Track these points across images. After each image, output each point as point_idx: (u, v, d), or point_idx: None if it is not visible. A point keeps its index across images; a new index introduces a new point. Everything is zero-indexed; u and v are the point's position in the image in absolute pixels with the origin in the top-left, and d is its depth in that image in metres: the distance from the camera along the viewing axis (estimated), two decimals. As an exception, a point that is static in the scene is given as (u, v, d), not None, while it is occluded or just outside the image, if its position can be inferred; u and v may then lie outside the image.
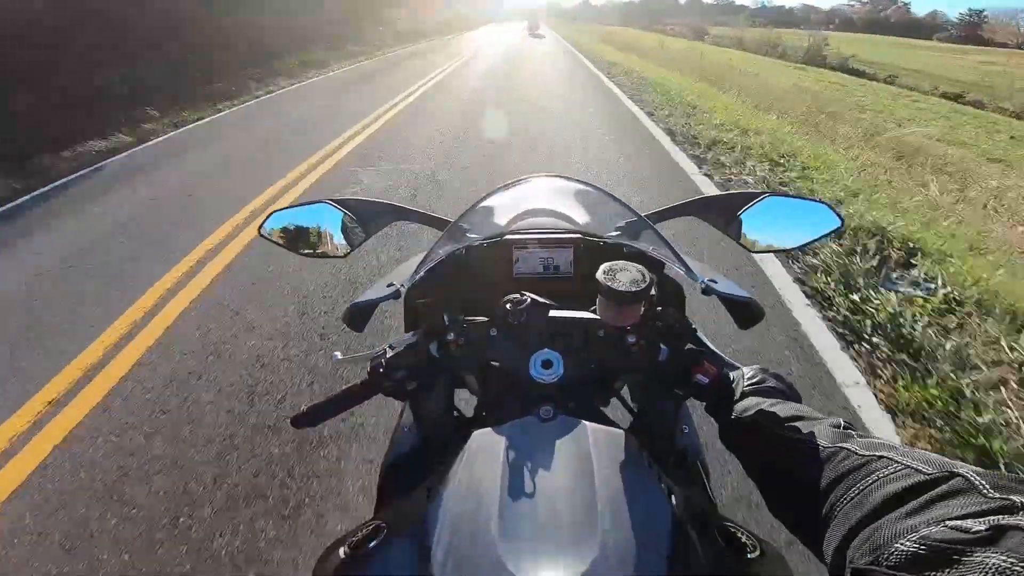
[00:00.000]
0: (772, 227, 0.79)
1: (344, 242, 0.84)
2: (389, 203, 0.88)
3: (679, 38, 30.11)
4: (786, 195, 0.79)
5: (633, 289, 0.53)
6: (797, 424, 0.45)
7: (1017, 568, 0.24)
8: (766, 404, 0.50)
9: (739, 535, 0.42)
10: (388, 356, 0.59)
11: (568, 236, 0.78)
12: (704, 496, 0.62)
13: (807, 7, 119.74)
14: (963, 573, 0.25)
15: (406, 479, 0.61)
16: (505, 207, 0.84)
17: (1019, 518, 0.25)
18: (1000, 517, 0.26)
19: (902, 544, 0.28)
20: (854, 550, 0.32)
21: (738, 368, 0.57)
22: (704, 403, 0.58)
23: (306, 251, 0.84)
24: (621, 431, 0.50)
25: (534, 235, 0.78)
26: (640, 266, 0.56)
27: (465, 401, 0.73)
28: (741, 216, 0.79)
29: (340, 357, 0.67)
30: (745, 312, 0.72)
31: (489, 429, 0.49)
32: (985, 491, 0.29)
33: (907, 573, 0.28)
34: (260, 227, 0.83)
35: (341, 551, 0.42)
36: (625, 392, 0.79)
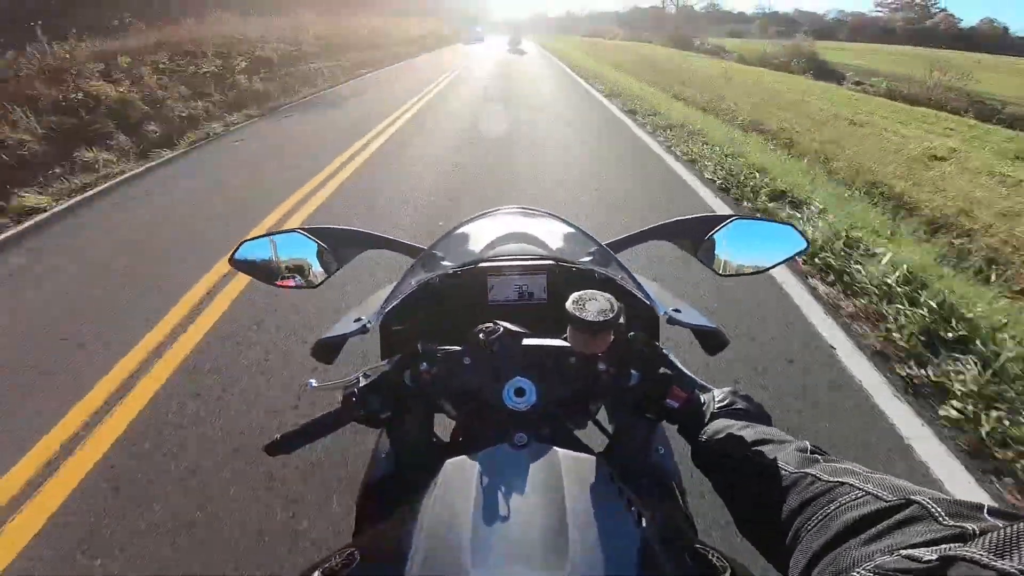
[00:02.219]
0: (740, 250, 0.83)
1: (317, 271, 0.86)
2: (362, 231, 0.90)
3: (770, 70, 18.98)
4: (752, 218, 0.83)
5: (601, 319, 0.55)
6: (763, 449, 0.47)
7: None
8: (735, 428, 0.52)
9: (710, 557, 0.43)
10: (361, 385, 0.60)
11: (541, 263, 0.81)
12: (679, 516, 0.62)
13: (803, 13, 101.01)
14: None
15: (383, 505, 0.63)
16: (477, 236, 0.88)
17: (968, 547, 0.25)
18: (951, 546, 0.26)
19: (857, 573, 0.29)
20: None
21: (709, 390, 0.60)
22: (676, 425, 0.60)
23: (278, 281, 0.86)
24: (591, 456, 0.51)
25: (507, 262, 0.81)
26: (608, 295, 0.57)
27: (445, 423, 0.72)
28: (710, 239, 0.84)
29: (315, 385, 0.66)
30: (711, 339, 0.76)
31: (463, 457, 0.50)
32: (941, 519, 0.30)
33: None
34: (231, 257, 0.83)
35: None
36: (602, 414, 0.78)
